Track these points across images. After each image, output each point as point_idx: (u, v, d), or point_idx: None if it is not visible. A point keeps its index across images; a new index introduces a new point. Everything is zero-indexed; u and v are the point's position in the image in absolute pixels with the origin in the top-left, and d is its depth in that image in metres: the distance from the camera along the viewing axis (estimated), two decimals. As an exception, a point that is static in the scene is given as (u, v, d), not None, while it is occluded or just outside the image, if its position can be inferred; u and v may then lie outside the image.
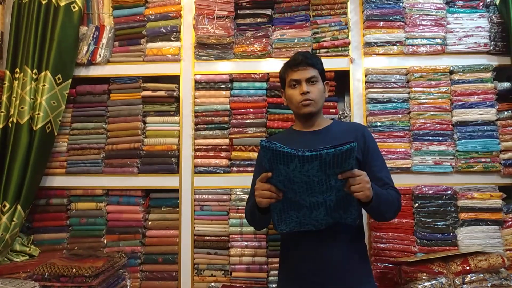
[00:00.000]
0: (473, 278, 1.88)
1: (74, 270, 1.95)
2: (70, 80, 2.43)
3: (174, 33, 2.49)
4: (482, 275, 1.88)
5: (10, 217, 2.23)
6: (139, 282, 2.37)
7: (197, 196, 2.38)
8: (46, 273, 1.96)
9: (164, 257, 2.37)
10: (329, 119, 1.79)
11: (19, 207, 2.26)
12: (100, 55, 2.49)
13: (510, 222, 2.23)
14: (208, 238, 2.37)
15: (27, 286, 1.90)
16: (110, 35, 2.52)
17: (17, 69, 2.39)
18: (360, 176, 1.36)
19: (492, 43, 2.36)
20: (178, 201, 2.39)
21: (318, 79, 1.67)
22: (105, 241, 2.41)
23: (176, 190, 2.40)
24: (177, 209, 2.40)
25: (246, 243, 2.34)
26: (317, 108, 1.68)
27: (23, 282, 1.93)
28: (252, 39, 2.45)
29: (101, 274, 2.01)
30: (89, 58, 2.49)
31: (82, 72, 2.52)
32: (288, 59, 2.37)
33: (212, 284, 2.33)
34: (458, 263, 1.91)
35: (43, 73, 2.35)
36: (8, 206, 2.24)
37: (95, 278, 1.96)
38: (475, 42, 2.36)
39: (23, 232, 2.41)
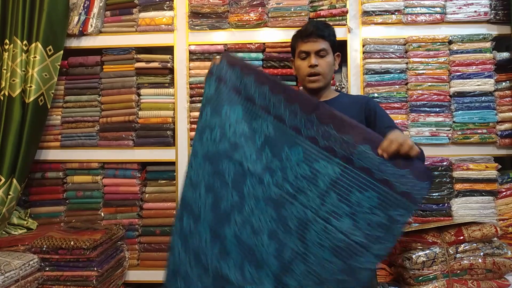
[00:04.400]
0: (466, 247, 1.91)
1: (72, 243, 1.97)
2: (61, 52, 2.38)
3: (167, 2, 2.42)
4: (475, 244, 1.92)
5: (6, 191, 2.23)
6: (138, 254, 2.40)
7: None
8: (45, 246, 1.99)
9: (161, 229, 2.39)
10: (336, 91, 1.73)
11: (14, 180, 2.25)
12: (91, 26, 2.42)
13: (504, 193, 2.26)
14: (205, 210, 2.38)
15: (26, 258, 1.92)
16: (101, 4, 2.44)
17: (7, 41, 2.33)
18: (395, 137, 1.14)
19: (493, 11, 2.31)
20: (175, 174, 2.39)
21: (328, 52, 1.61)
22: (102, 214, 2.43)
23: (173, 163, 2.40)
24: (174, 181, 2.40)
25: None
26: (324, 82, 1.62)
27: (22, 255, 1.95)
28: (247, 8, 2.38)
29: (99, 246, 2.04)
30: (80, 29, 2.43)
31: (74, 43, 2.46)
32: (284, 28, 2.37)
33: (210, 254, 2.36)
34: (452, 233, 1.94)
35: (33, 45, 2.30)
36: (3, 179, 2.23)
37: (93, 250, 1.98)
38: (475, 11, 2.31)
39: (20, 206, 2.41)
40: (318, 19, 2.35)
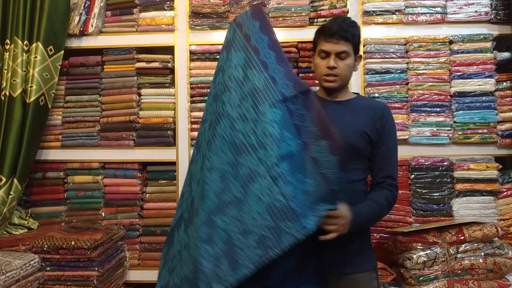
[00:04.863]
0: (467, 247, 1.91)
1: (73, 243, 1.97)
2: (62, 52, 2.38)
3: (168, 2, 2.42)
4: (476, 244, 1.92)
5: (7, 191, 2.23)
6: (138, 254, 2.40)
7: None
8: (46, 246, 1.99)
9: (162, 229, 2.39)
10: (354, 93, 1.70)
11: (15, 180, 2.25)
12: (92, 25, 2.42)
13: (505, 193, 2.25)
14: (205, 210, 2.38)
15: (27, 258, 1.92)
16: (102, 4, 2.44)
17: (7, 41, 2.33)
18: (338, 219, 1.33)
19: (493, 11, 2.30)
20: (175, 174, 2.39)
21: (350, 54, 1.55)
22: (103, 214, 2.43)
23: (173, 163, 2.40)
24: (174, 181, 2.40)
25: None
26: (341, 84, 1.58)
27: (23, 255, 1.95)
28: (248, 8, 2.39)
29: (100, 246, 2.04)
30: (81, 29, 2.43)
31: (74, 43, 2.46)
32: (285, 28, 2.37)
33: (210, 254, 2.36)
34: (453, 233, 1.94)
35: (34, 45, 2.30)
36: (4, 179, 2.23)
37: (94, 250, 1.98)
38: (476, 11, 2.31)
39: (21, 206, 2.42)
40: (319, 19, 2.35)
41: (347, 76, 1.59)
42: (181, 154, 2.38)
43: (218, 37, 2.40)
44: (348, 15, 2.34)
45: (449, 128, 2.29)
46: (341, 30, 1.51)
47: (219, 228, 1.19)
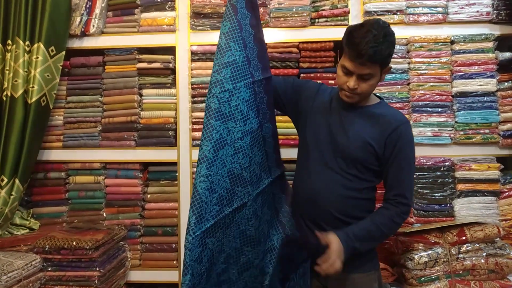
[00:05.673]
0: (468, 248, 1.91)
1: (74, 243, 1.97)
2: (63, 52, 2.38)
3: (169, 3, 2.42)
4: (477, 245, 1.92)
5: (8, 191, 2.23)
6: (139, 254, 2.41)
7: (195, 169, 2.37)
8: (47, 246, 1.99)
9: (163, 229, 2.39)
10: (377, 97, 1.62)
11: (17, 181, 2.25)
12: (93, 26, 2.42)
13: (507, 193, 2.25)
14: (207, 210, 2.38)
15: (28, 258, 1.92)
16: (103, 4, 2.45)
17: (9, 41, 2.33)
18: (329, 261, 1.36)
19: (495, 11, 2.30)
20: (177, 174, 2.39)
21: (375, 75, 1.42)
22: (104, 214, 2.43)
23: (174, 163, 2.40)
24: (176, 182, 2.40)
25: (245, 215, 2.35)
26: (359, 100, 1.51)
27: (25, 255, 1.96)
28: (249, 9, 2.38)
29: (102, 247, 2.04)
30: (83, 29, 2.43)
31: (76, 44, 2.46)
32: (286, 29, 2.36)
33: (212, 255, 2.36)
34: (455, 234, 1.94)
35: (35, 45, 2.30)
36: (6, 180, 2.23)
37: (95, 250, 1.99)
38: (477, 11, 2.31)
39: (22, 206, 2.42)
40: (320, 19, 2.35)
41: (367, 93, 1.50)
42: (182, 155, 2.38)
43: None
44: (350, 15, 2.34)
45: (451, 128, 2.29)
46: (368, 54, 1.35)
47: (195, 181, 1.35)
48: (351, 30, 1.43)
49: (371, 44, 1.35)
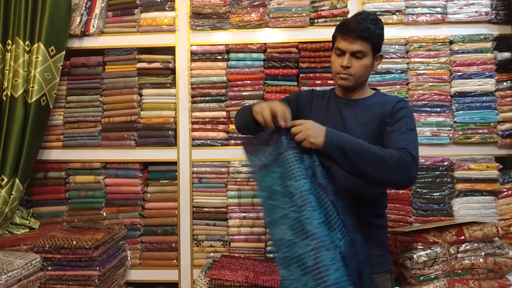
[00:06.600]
0: (467, 247, 1.91)
1: (74, 242, 1.97)
2: (63, 52, 2.38)
3: (169, 3, 2.42)
4: (476, 244, 1.92)
5: (8, 191, 2.24)
6: (139, 253, 2.41)
7: (195, 169, 2.39)
8: (47, 245, 1.99)
9: (163, 229, 2.40)
10: (373, 89, 1.64)
11: (17, 180, 2.26)
12: (93, 26, 2.43)
13: (505, 193, 2.26)
14: (206, 209, 2.39)
15: (28, 258, 1.93)
16: (103, 5, 2.45)
17: (9, 41, 2.34)
18: (301, 125, 1.30)
19: (494, 11, 2.31)
20: (176, 173, 2.40)
21: (366, 54, 1.47)
22: (104, 214, 2.43)
23: (174, 163, 2.40)
24: (176, 181, 2.40)
25: (244, 214, 2.36)
26: (355, 83, 1.53)
27: (25, 254, 1.96)
28: (248, 8, 2.39)
29: (102, 246, 2.04)
30: (83, 29, 2.43)
31: (76, 44, 2.47)
32: (286, 29, 2.37)
33: (211, 254, 2.36)
34: (453, 233, 1.94)
35: (35, 45, 2.30)
36: (6, 179, 2.24)
37: (95, 249, 1.99)
38: (476, 11, 2.31)
39: (22, 205, 2.42)
40: (319, 19, 2.36)
41: (363, 76, 1.53)
42: (182, 154, 2.39)
43: (219, 37, 2.41)
44: (349, 16, 2.34)
45: (450, 128, 2.30)
46: (358, 29, 1.43)
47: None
48: (342, 21, 1.57)
49: (360, 21, 1.45)
